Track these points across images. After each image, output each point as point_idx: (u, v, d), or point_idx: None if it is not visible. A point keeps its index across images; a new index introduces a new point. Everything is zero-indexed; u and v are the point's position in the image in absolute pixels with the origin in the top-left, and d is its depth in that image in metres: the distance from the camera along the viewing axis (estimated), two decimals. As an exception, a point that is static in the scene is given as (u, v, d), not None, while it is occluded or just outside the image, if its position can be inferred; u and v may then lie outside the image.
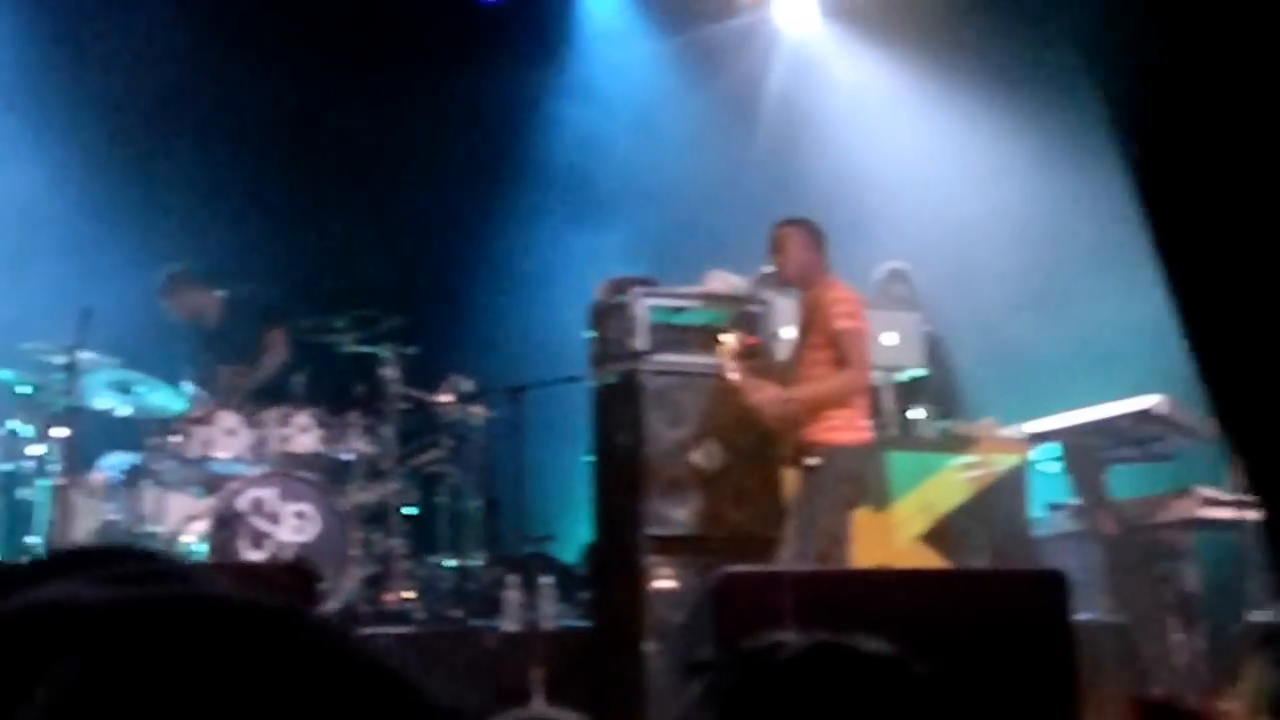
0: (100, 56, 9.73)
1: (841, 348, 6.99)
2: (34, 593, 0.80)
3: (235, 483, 7.87)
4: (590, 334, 8.11)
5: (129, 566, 0.84)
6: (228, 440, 8.11)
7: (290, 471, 7.96)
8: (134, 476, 8.06)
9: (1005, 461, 8.13)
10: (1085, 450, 7.70)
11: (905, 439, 8.15)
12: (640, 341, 7.67)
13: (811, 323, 7.13)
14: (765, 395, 6.98)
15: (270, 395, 8.35)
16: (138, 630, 0.76)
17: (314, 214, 9.89)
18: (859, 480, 7.05)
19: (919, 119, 10.09)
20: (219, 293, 8.86)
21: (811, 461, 6.91)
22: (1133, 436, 7.70)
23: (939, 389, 8.38)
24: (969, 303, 9.24)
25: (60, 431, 7.88)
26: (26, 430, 7.97)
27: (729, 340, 7.18)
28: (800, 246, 7.17)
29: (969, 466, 8.08)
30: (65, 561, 0.86)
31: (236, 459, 8.10)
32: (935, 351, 8.42)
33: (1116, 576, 7.61)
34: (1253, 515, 7.39)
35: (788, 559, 6.65)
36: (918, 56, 9.99)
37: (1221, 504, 7.56)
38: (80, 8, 9.74)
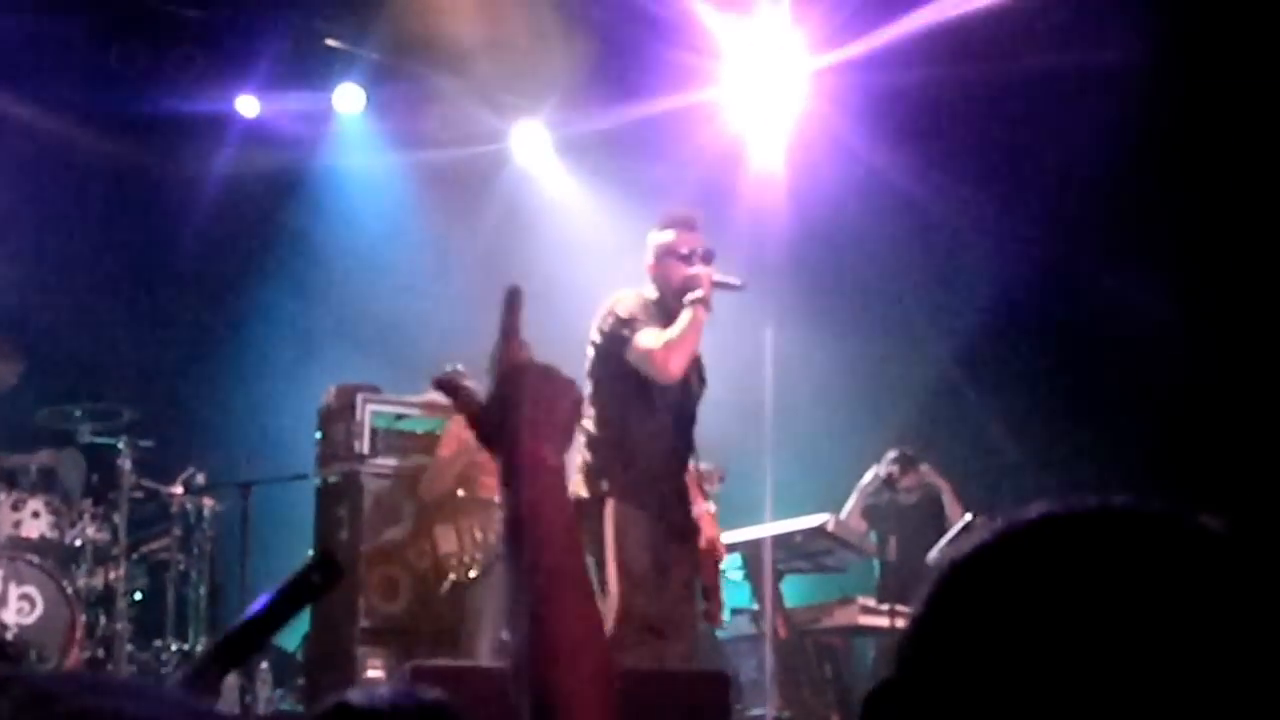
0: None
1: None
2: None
3: (-40, 564, 8.02)
4: (318, 435, 8.63)
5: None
6: (-46, 523, 8.24)
7: (17, 554, 8.05)
8: None
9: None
10: (763, 561, 8.42)
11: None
12: (363, 445, 8.25)
13: None
14: None
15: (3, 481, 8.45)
16: None
17: (58, 308, 10.01)
18: None
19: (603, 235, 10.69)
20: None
21: None
22: (806, 550, 8.48)
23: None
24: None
25: None
26: None
27: None
28: None
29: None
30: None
31: (-37, 541, 8.22)
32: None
33: (787, 676, 8.35)
34: (901, 622, 8.27)
35: None
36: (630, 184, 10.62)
37: (877, 612, 8.41)
38: None
